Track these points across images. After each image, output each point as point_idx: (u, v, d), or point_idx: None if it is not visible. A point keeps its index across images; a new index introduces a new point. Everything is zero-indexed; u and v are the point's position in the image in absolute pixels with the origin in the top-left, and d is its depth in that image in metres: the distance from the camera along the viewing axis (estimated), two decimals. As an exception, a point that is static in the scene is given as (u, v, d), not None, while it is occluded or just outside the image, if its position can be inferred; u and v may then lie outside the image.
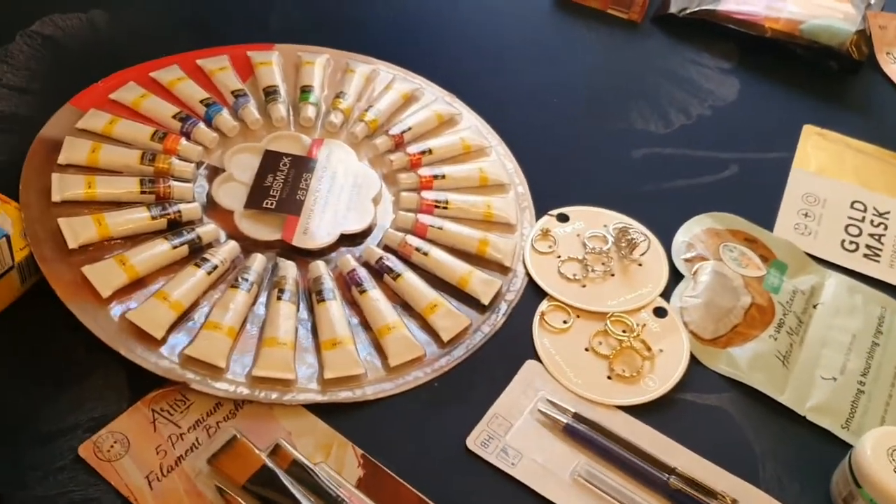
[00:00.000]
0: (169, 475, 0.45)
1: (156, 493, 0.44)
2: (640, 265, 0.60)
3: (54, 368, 0.49)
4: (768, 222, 0.65)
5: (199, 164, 0.61)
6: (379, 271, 0.57)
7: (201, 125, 0.63)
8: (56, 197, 0.55)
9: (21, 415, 0.47)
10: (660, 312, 0.58)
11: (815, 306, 0.59)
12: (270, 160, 0.62)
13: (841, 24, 0.77)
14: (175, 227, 0.56)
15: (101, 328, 0.50)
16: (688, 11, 0.79)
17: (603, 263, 0.60)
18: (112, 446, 0.46)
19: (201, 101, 0.65)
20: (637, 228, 0.62)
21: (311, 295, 0.55)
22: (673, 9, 0.80)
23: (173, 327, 0.51)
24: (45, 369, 0.49)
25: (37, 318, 0.51)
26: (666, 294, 0.59)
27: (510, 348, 0.55)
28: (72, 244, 0.53)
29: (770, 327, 0.57)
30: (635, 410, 0.53)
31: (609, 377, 0.54)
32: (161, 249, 0.54)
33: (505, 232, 0.62)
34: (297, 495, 0.45)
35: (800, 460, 0.52)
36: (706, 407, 0.54)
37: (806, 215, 0.66)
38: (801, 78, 0.77)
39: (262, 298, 0.54)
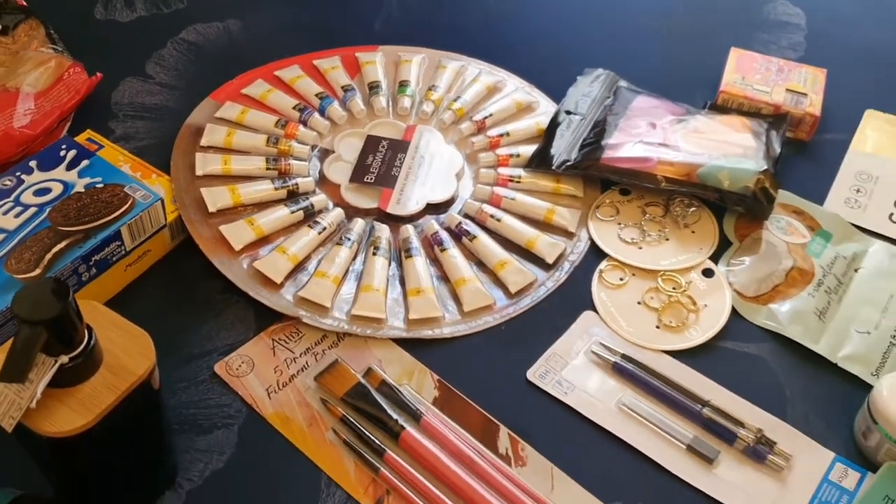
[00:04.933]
0: (284, 389, 0.56)
1: (273, 402, 0.56)
2: (693, 232, 0.67)
3: (197, 306, 0.61)
4: (821, 198, 0.71)
5: (313, 147, 0.72)
6: (458, 234, 0.66)
7: (316, 115, 0.74)
8: (199, 171, 0.68)
9: (171, 341, 0.59)
10: (708, 273, 0.65)
11: (856, 270, 0.64)
12: (371, 143, 0.72)
13: (743, 163, 0.66)
14: (293, 196, 0.67)
15: (234, 275, 0.62)
16: (568, 164, 0.69)
17: (659, 230, 0.67)
18: (240, 366, 0.57)
19: (316, 95, 0.76)
20: (691, 200, 0.69)
21: (401, 252, 0.65)
22: (554, 164, 0.69)
23: (290, 275, 0.62)
24: (190, 307, 0.61)
25: (183, 267, 0.64)
26: (715, 258, 0.66)
27: (570, 301, 0.63)
28: (211, 208, 0.65)
29: (809, 286, 0.63)
30: (679, 355, 0.60)
31: (657, 327, 0.61)
32: (282, 214, 0.65)
33: (571, 203, 0.70)
34: (385, 406, 0.55)
35: (828, 402, 0.57)
36: (744, 354, 0.60)
37: (858, 191, 0.71)
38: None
39: (361, 256, 0.65)
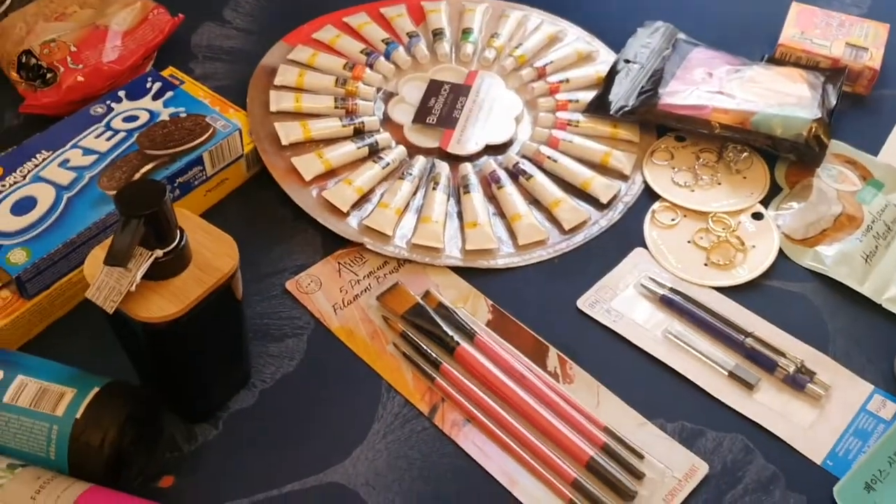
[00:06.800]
0: (348, 306, 0.61)
1: (339, 317, 0.60)
2: (744, 177, 0.70)
3: (270, 231, 0.66)
4: (875, 151, 0.72)
5: (378, 89, 0.76)
6: (515, 173, 0.70)
7: (382, 59, 0.78)
8: (273, 108, 0.72)
9: (246, 260, 0.64)
10: (757, 216, 0.67)
11: (906, 218, 0.66)
12: (434, 87, 0.76)
13: (797, 111, 0.68)
14: (359, 134, 0.72)
15: (304, 203, 0.66)
16: (626, 109, 0.72)
17: (711, 174, 0.70)
18: (309, 284, 0.62)
19: (382, 41, 0.80)
20: (743, 147, 0.71)
21: (459, 189, 0.69)
22: (612, 109, 0.73)
23: (355, 205, 0.67)
24: (263, 231, 0.66)
25: (258, 195, 0.68)
26: (765, 202, 0.68)
27: (622, 238, 0.66)
28: (284, 142, 0.70)
29: (858, 231, 0.65)
30: (726, 291, 0.63)
31: (706, 264, 0.64)
32: (349, 149, 0.70)
33: (627, 148, 0.72)
34: (442, 324, 0.59)
35: (870, 340, 0.60)
36: (789, 292, 0.63)
37: (914, 143, 0.72)
38: None
39: (422, 191, 0.69)
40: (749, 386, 0.56)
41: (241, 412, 0.55)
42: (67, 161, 0.62)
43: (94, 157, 0.62)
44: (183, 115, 0.66)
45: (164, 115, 0.66)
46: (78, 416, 0.47)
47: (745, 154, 0.70)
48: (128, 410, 0.48)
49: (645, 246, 0.65)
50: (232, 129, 0.65)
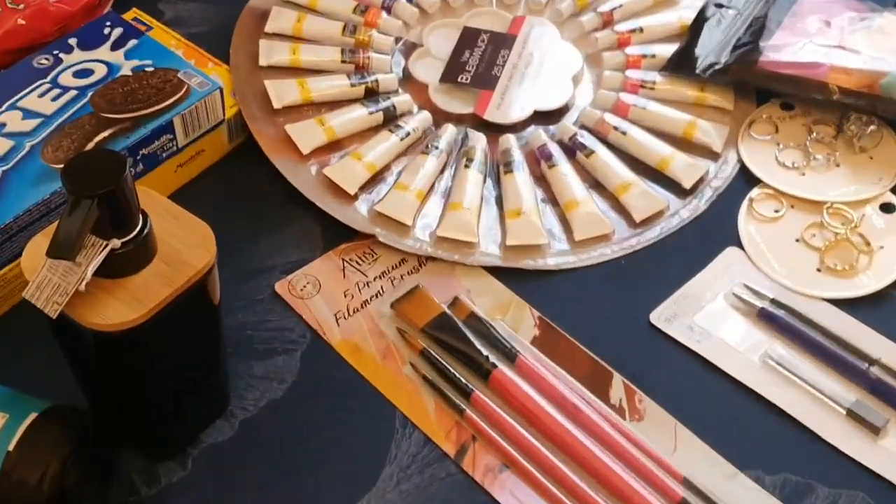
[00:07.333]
0: (354, 315, 0.61)
1: (342, 329, 0.60)
2: (871, 157, 0.69)
3: (256, 217, 0.66)
4: None
5: (397, 40, 0.76)
6: (571, 148, 0.69)
7: (402, 0, 0.78)
8: (263, 61, 0.73)
9: (227, 255, 0.63)
10: (887, 208, 0.66)
11: None
12: (469, 36, 0.76)
13: None
14: (372, 95, 0.72)
15: (300, 182, 0.67)
16: (717, 68, 0.72)
17: (828, 153, 0.69)
18: (305, 286, 0.62)
19: (404, -24, 0.80)
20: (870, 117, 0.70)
21: (499, 167, 0.68)
22: (699, 68, 0.72)
23: (366, 186, 0.67)
24: (249, 218, 0.66)
25: (242, 172, 0.69)
26: (898, 190, 0.67)
27: (710, 235, 0.66)
28: (276, 105, 0.70)
29: None
30: (844, 304, 0.62)
31: (819, 270, 0.63)
32: (358, 114, 0.70)
33: (719, 118, 0.72)
34: (474, 341, 0.59)
35: None
36: (928, 308, 0.62)
37: None
38: None
39: (451, 169, 0.69)
40: (874, 429, 0.56)
41: (215, 447, 0.55)
42: (3, 126, 0.63)
43: (37, 121, 0.63)
44: (149, 69, 0.66)
45: (126, 70, 0.66)
46: (10, 447, 0.48)
47: (873, 127, 0.69)
48: (73, 442, 0.49)
49: (740, 245, 0.65)
50: (211, 87, 0.66)
